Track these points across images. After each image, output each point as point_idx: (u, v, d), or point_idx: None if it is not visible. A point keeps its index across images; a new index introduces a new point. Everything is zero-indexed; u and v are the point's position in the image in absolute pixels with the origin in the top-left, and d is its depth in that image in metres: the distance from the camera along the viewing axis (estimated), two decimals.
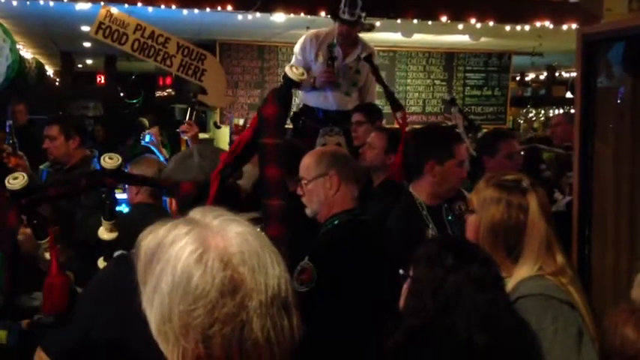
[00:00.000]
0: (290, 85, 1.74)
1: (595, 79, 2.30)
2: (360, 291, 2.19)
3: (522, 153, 4.40)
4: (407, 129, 3.54)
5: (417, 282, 1.61)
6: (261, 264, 0.95)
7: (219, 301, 0.91)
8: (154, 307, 0.96)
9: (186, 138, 3.98)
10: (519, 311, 1.70)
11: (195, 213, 1.03)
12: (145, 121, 9.31)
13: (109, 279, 1.89)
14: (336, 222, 2.36)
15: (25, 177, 1.89)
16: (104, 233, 2.04)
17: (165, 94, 12.52)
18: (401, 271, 1.72)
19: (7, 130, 3.97)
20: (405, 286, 1.67)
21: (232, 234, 0.97)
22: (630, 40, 2.25)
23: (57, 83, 12.09)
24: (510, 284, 1.81)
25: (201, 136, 9.63)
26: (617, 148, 2.43)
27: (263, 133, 1.72)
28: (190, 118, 3.96)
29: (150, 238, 1.00)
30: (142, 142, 4.71)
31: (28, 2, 4.74)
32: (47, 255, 1.95)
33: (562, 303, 1.77)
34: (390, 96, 3.59)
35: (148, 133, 4.52)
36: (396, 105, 3.53)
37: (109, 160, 1.99)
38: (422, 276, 1.61)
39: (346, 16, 4.36)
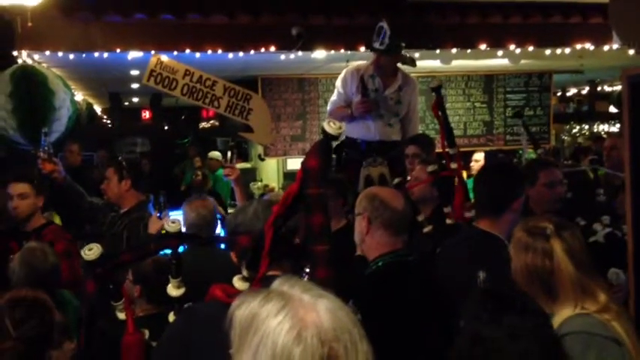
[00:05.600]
0: (329, 138, 1.83)
1: None
2: (407, 335, 2.18)
3: (575, 176, 4.36)
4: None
5: (460, 333, 1.63)
6: (353, 340, 1.02)
7: None
8: None
9: (228, 180, 4.11)
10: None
11: (282, 284, 1.10)
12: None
13: (177, 333, 2.00)
14: (380, 263, 2.36)
15: (100, 247, 2.04)
16: (172, 290, 2.17)
17: (209, 125, 12.88)
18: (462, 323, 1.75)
19: (43, 142, 4.08)
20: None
21: (324, 310, 1.03)
22: None
23: (104, 120, 12.56)
24: (555, 323, 1.83)
25: (243, 165, 9.94)
26: None
27: (307, 184, 1.81)
28: (231, 161, 4.08)
29: (243, 309, 1.07)
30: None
31: (83, 55, 5.00)
32: (122, 315, 2.09)
33: (606, 339, 1.79)
34: (448, 131, 3.55)
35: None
36: (452, 142, 3.55)
37: (172, 225, 2.16)
38: (463, 328, 1.63)
39: (376, 45, 4.48)
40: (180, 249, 3.71)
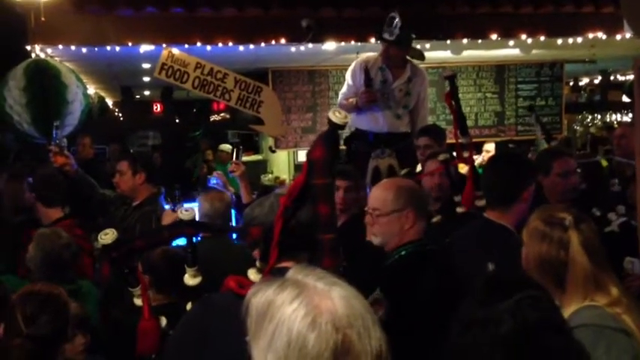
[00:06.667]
0: (335, 128, 1.83)
1: None
2: (433, 322, 2.11)
3: (589, 166, 4.33)
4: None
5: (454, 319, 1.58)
6: (366, 326, 1.04)
7: None
8: None
9: (234, 177, 4.13)
10: None
11: (297, 273, 1.12)
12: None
13: (194, 320, 2.03)
14: (403, 252, 2.37)
15: (115, 232, 2.07)
16: (189, 279, 2.19)
17: (220, 117, 12.92)
18: None
19: (55, 135, 4.12)
20: None
21: (338, 297, 1.06)
22: None
23: (116, 113, 12.63)
24: (565, 314, 1.83)
25: (254, 157, 9.95)
26: None
27: (313, 174, 1.83)
28: (237, 157, 4.09)
29: (259, 297, 1.09)
30: (209, 184, 4.89)
31: (96, 49, 5.04)
32: (139, 301, 2.12)
33: (616, 331, 1.79)
34: (461, 120, 3.53)
35: (214, 176, 4.70)
36: (464, 130, 3.53)
37: (186, 212, 2.17)
38: (459, 312, 1.58)
39: (386, 36, 4.49)
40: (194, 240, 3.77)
